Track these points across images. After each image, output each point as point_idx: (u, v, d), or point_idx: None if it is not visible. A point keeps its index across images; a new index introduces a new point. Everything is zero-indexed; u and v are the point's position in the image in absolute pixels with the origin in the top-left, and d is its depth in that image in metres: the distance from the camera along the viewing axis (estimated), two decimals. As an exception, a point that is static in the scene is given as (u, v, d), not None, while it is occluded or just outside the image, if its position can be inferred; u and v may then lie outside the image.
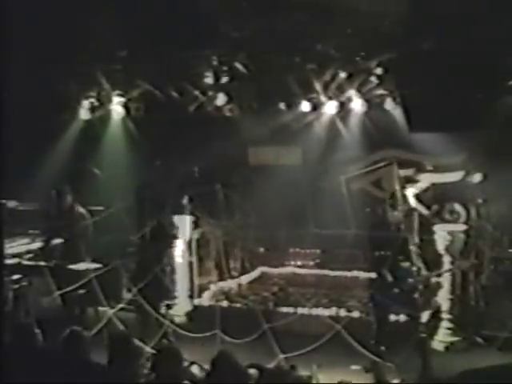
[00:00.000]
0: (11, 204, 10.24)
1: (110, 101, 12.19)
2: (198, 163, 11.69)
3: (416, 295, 9.00)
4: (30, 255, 9.77)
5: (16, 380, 5.17)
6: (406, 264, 9.43)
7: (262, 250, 12.58)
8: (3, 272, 8.12)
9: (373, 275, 9.65)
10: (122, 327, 8.76)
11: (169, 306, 10.19)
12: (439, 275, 9.39)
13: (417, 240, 10.05)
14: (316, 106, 11.65)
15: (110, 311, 9.19)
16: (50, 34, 9.93)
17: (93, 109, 12.29)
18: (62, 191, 10.35)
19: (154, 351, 7.31)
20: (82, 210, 10.34)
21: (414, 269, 9.52)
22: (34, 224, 10.55)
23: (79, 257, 9.78)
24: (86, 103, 12.21)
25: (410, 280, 9.24)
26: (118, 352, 5.55)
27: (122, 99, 12.09)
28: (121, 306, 9.22)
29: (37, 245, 9.95)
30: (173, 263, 10.77)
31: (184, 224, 10.92)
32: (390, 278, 9.08)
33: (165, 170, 11.51)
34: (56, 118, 12.13)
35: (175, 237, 10.83)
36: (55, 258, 9.67)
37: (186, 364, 6.43)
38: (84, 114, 12.26)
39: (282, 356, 8.13)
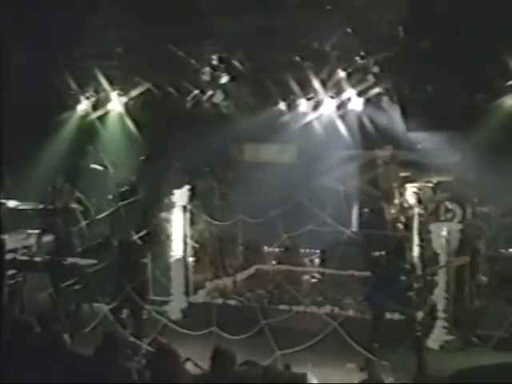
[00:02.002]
0: (11, 204, 10.23)
1: (108, 99, 12.19)
2: (194, 160, 11.68)
3: (411, 294, 9.00)
4: (26, 251, 9.75)
5: (12, 376, 5.17)
6: (402, 262, 9.43)
7: (257, 247, 12.58)
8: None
9: (368, 274, 9.66)
10: (116, 324, 8.75)
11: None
12: (433, 273, 9.39)
13: (414, 239, 10.05)
14: (314, 105, 11.66)
15: (106, 307, 9.17)
16: (50, 32, 9.93)
17: (92, 107, 12.30)
18: (59, 188, 10.35)
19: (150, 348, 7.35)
20: (79, 206, 10.35)
21: (410, 267, 9.52)
22: (34, 222, 10.54)
23: (75, 253, 9.78)
24: (84, 101, 12.21)
25: (405, 278, 9.25)
26: (110, 348, 5.57)
27: (121, 97, 12.10)
28: (116, 302, 9.19)
29: (32, 240, 9.93)
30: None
31: (180, 221, 10.90)
32: (385, 277, 9.07)
33: (161, 166, 11.51)
34: (55, 116, 12.14)
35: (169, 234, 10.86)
36: (51, 254, 9.66)
37: (181, 360, 6.43)
38: (83, 111, 12.26)
39: (278, 353, 8.11)
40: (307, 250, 12.47)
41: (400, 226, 10.28)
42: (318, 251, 12.44)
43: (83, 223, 10.12)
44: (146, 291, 9.64)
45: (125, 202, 9.41)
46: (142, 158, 11.44)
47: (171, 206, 10.92)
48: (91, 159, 11.13)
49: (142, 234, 9.46)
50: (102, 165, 10.77)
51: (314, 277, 11.61)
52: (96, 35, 10.35)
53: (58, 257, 9.65)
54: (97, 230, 10.78)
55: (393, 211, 10.55)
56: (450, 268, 9.32)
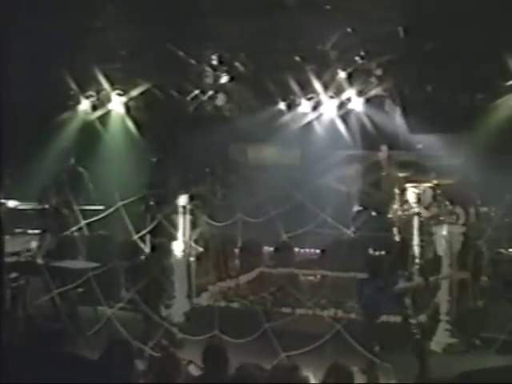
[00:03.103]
0: (11, 204, 10.25)
1: (109, 100, 12.20)
2: (197, 162, 11.69)
3: (413, 297, 8.97)
4: (29, 253, 9.76)
5: (14, 379, 5.17)
6: (402, 268, 9.42)
7: (260, 249, 12.56)
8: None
9: (371, 276, 9.63)
10: (120, 327, 8.74)
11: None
12: (436, 278, 9.37)
13: (416, 241, 10.04)
14: (315, 106, 11.67)
15: (109, 311, 9.17)
16: (50, 33, 9.94)
17: (93, 108, 12.31)
18: (61, 190, 10.36)
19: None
20: (81, 208, 10.34)
21: (411, 272, 9.51)
22: (34, 223, 10.54)
23: (77, 256, 9.78)
24: (86, 102, 12.22)
25: (405, 284, 9.24)
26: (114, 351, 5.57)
27: (122, 98, 12.10)
28: (120, 305, 9.20)
29: (35, 243, 9.93)
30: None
31: (182, 224, 10.90)
32: (385, 280, 9.06)
33: (164, 169, 11.49)
34: (56, 117, 12.15)
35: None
36: (53, 257, 9.67)
37: (183, 363, 6.43)
38: (84, 113, 12.27)
39: (282, 355, 8.09)
40: (308, 251, 12.46)
41: (403, 228, 10.26)
42: (318, 252, 12.42)
43: (82, 223, 10.08)
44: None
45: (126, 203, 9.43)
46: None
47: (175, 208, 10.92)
48: (93, 161, 11.16)
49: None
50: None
51: (315, 276, 11.62)
52: (98, 37, 10.37)
53: (62, 259, 9.66)
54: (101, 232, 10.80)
55: (396, 213, 10.52)
56: (451, 278, 9.31)
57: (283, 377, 5.62)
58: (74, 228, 9.79)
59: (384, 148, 11.27)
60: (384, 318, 9.12)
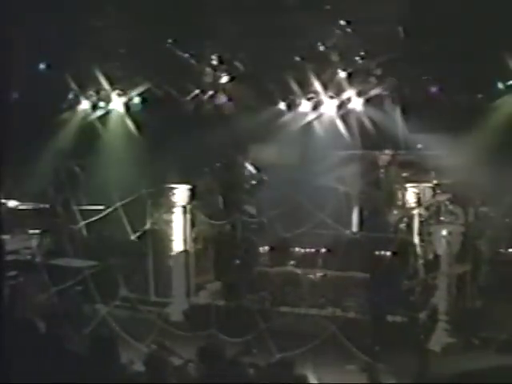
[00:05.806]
0: (11, 204, 10.26)
1: (109, 99, 12.20)
2: (197, 162, 11.69)
3: (413, 297, 8.96)
4: (28, 251, 9.78)
5: (12, 377, 5.16)
6: (404, 265, 9.41)
7: (259, 249, 12.52)
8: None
9: (370, 276, 9.63)
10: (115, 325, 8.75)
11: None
12: (435, 278, 9.36)
13: (415, 241, 10.03)
14: (315, 106, 11.66)
15: (105, 309, 9.18)
16: (50, 32, 9.95)
17: (93, 107, 12.31)
18: (60, 190, 10.38)
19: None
20: (80, 208, 10.36)
21: (412, 270, 9.50)
22: (33, 222, 10.54)
23: (75, 254, 9.79)
24: (85, 102, 12.22)
25: (407, 281, 9.23)
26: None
27: (122, 98, 12.10)
28: (116, 303, 9.20)
29: (34, 242, 9.95)
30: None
31: (180, 221, 10.91)
32: (387, 279, 9.05)
33: (163, 168, 11.51)
34: (56, 117, 12.15)
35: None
36: (51, 255, 9.68)
37: (181, 362, 6.43)
38: (84, 112, 12.27)
39: (278, 355, 8.08)
40: (307, 250, 12.41)
41: (402, 228, 10.26)
42: (318, 251, 12.37)
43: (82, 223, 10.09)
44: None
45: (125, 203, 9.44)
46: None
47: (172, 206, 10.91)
48: (93, 161, 11.14)
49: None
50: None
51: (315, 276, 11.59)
52: (98, 36, 10.37)
53: (60, 258, 9.67)
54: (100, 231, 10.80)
55: (395, 213, 10.53)
56: (451, 273, 9.30)
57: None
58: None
59: (384, 151, 11.28)
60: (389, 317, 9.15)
